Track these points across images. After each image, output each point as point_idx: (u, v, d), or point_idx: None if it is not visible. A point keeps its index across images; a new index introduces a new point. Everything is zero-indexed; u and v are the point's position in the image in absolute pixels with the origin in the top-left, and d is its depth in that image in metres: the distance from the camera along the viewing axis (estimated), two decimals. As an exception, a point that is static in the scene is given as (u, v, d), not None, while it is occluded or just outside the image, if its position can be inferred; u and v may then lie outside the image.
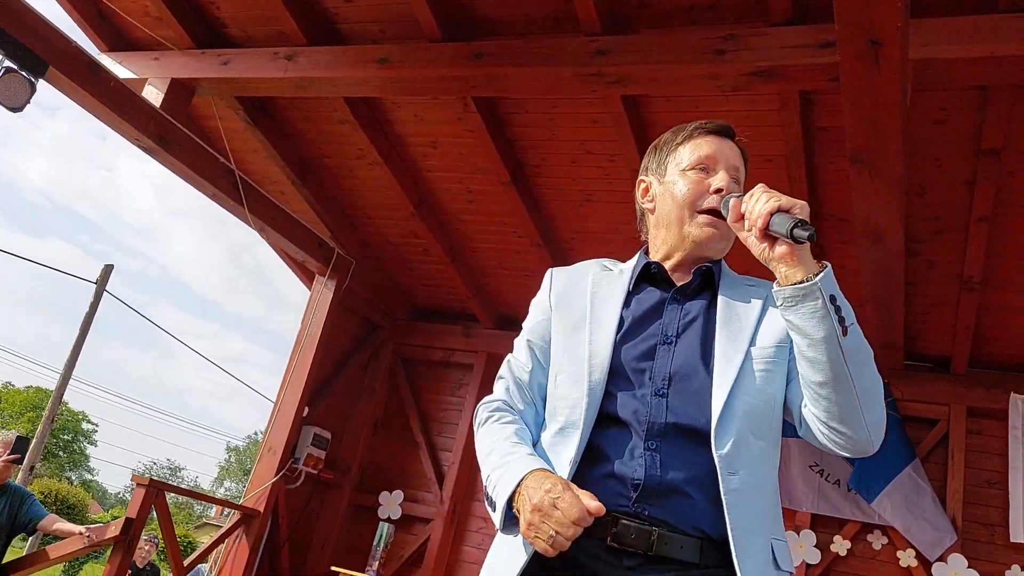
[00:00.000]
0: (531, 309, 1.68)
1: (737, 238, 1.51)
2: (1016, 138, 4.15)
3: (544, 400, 1.56)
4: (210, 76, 5.08)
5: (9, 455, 4.74)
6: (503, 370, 1.64)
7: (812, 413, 1.40)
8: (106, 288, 12.78)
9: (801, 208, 1.36)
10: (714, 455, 1.34)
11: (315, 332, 6.40)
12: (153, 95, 5.17)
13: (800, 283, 1.34)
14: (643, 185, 1.69)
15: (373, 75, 4.60)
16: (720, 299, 1.52)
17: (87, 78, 4.49)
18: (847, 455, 1.42)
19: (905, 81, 3.24)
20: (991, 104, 3.99)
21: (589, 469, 1.38)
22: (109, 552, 4.97)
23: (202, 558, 5.76)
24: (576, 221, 5.82)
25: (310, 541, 6.75)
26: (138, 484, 5.12)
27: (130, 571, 7.55)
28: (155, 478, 5.30)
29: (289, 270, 7.26)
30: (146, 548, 8.01)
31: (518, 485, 1.31)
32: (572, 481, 1.33)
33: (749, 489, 1.33)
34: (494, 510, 1.37)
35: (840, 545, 5.50)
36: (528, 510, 1.26)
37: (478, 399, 6.81)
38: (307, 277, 7.01)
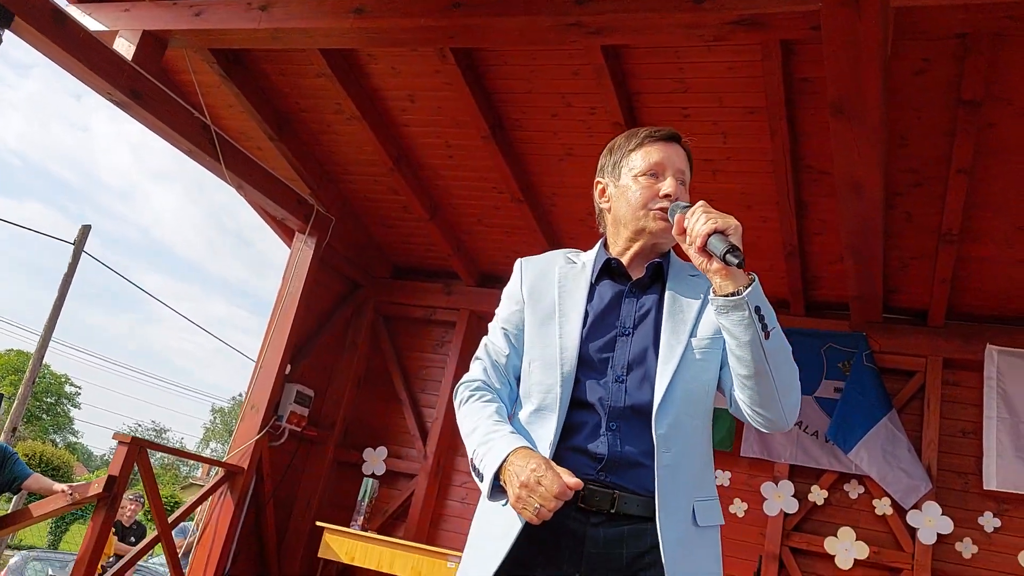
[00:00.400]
0: (503, 299, 1.87)
1: None
2: (996, 88, 4.15)
3: (518, 380, 1.79)
4: (183, 27, 4.96)
5: None
6: (480, 352, 1.84)
7: (739, 397, 1.67)
8: (84, 249, 12.64)
9: (735, 230, 1.58)
10: (653, 435, 1.60)
11: (296, 289, 6.36)
12: (124, 48, 5.05)
13: (731, 295, 1.58)
14: (600, 187, 1.91)
15: (349, 25, 4.51)
16: (667, 293, 1.75)
17: (55, 29, 4.37)
18: (765, 431, 1.69)
19: (886, 28, 3.22)
20: (971, 53, 3.97)
21: (562, 444, 1.63)
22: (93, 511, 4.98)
23: (186, 515, 5.79)
24: (557, 176, 5.79)
25: (295, 498, 6.79)
26: (120, 442, 5.11)
27: (115, 530, 7.59)
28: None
29: (270, 231, 7.20)
30: (131, 507, 8.04)
31: (504, 461, 1.54)
32: (551, 453, 1.60)
33: (679, 462, 1.61)
34: (481, 480, 1.59)
35: (817, 494, 5.59)
36: (516, 486, 1.49)
37: (461, 356, 6.84)
38: (287, 235, 6.96)
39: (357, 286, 7.24)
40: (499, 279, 7.10)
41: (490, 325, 1.87)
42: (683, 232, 1.62)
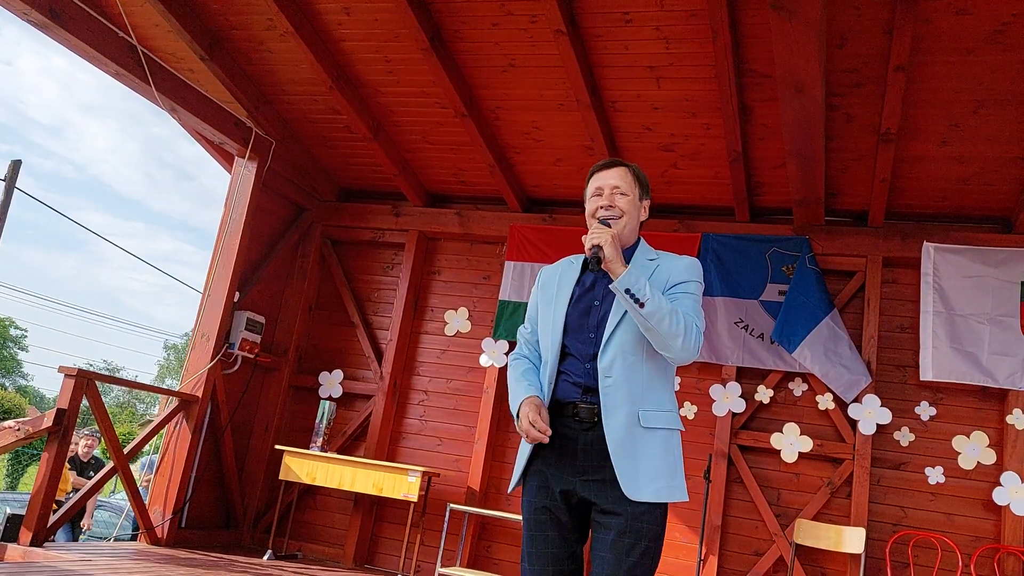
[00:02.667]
0: (530, 301, 2.67)
1: (631, 223, 2.50)
2: (933, -17, 4.15)
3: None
4: (98, -60, 4.69)
5: None
6: (520, 333, 2.66)
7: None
8: (16, 185, 12.17)
9: (606, 242, 2.30)
10: (598, 367, 2.36)
11: (239, 215, 6.24)
12: (37, -37, 4.77)
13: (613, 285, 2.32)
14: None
15: (276, -67, 4.30)
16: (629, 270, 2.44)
17: (-42, -57, 4.10)
18: (675, 364, 2.37)
19: (823, -80, 3.18)
20: (909, -53, 3.95)
21: (560, 380, 2.42)
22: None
23: (141, 446, 5.77)
24: (500, 88, 5.70)
25: (252, 424, 6.81)
26: (66, 375, 5.04)
27: (72, 465, 7.55)
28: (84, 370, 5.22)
29: (212, 162, 7.01)
30: (88, 442, 7.97)
31: (519, 407, 2.38)
32: (553, 387, 2.41)
33: (619, 384, 2.32)
34: (517, 420, 2.38)
35: (764, 394, 5.78)
36: (520, 426, 2.34)
37: (412, 277, 6.84)
38: (227, 160, 6.78)
39: (302, 210, 7.13)
40: (446, 199, 7.05)
41: (527, 316, 2.66)
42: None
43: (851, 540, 5.30)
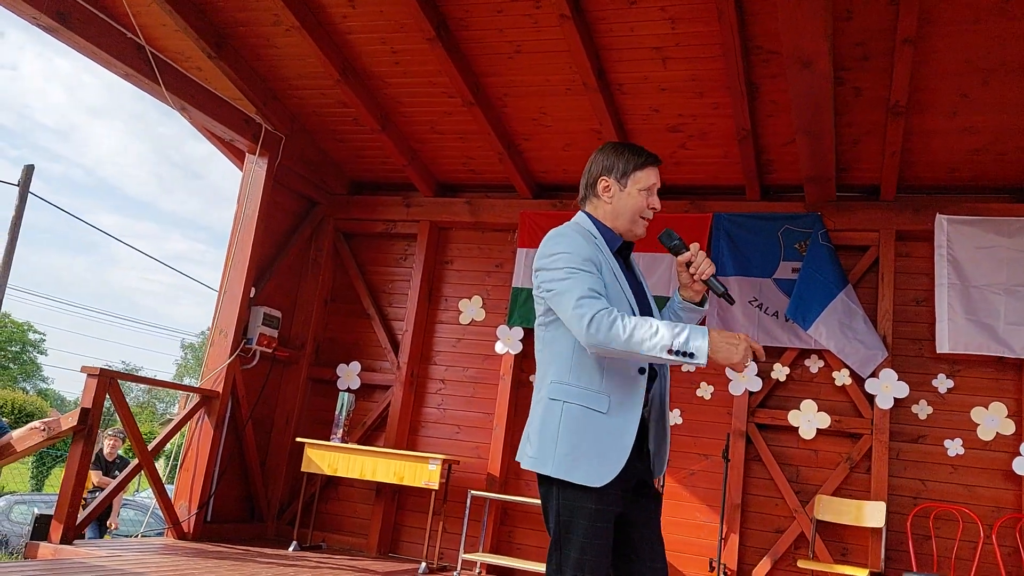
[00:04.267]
0: (580, 260, 2.30)
1: None
2: (938, -48, 4.12)
3: None
4: (103, -57, 4.73)
5: None
6: (586, 292, 2.25)
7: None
8: (30, 190, 12.28)
9: (715, 269, 2.44)
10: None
11: (252, 211, 6.29)
12: (43, -32, 4.81)
13: (698, 304, 2.53)
14: (604, 184, 2.43)
15: (278, -71, 4.32)
16: (634, 266, 2.56)
17: (-34, -49, 4.14)
18: None
19: None
20: (913, -83, 3.93)
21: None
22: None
23: (166, 442, 5.85)
24: (507, 75, 5.71)
25: (273, 417, 6.88)
26: (89, 375, 5.11)
27: (94, 464, 7.65)
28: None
29: (221, 160, 7.06)
30: (112, 442, 8.07)
31: (709, 337, 2.14)
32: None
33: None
34: (684, 356, 2.12)
35: (780, 371, 5.79)
36: (739, 342, 2.16)
37: (425, 268, 6.87)
38: (237, 157, 6.83)
39: (314, 204, 7.17)
40: (457, 188, 7.07)
41: (575, 275, 2.25)
42: (685, 264, 2.44)
43: (872, 514, 5.32)
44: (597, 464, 2.13)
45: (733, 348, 2.13)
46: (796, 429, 5.67)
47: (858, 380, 5.61)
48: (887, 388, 5.49)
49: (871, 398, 5.55)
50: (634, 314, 2.28)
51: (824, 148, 5.15)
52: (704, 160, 6.04)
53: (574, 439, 2.16)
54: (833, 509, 5.43)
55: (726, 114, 5.51)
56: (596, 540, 2.12)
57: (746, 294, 5.89)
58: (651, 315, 2.40)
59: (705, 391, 5.98)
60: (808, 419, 5.64)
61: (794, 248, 5.85)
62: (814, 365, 5.78)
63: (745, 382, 5.81)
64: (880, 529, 5.28)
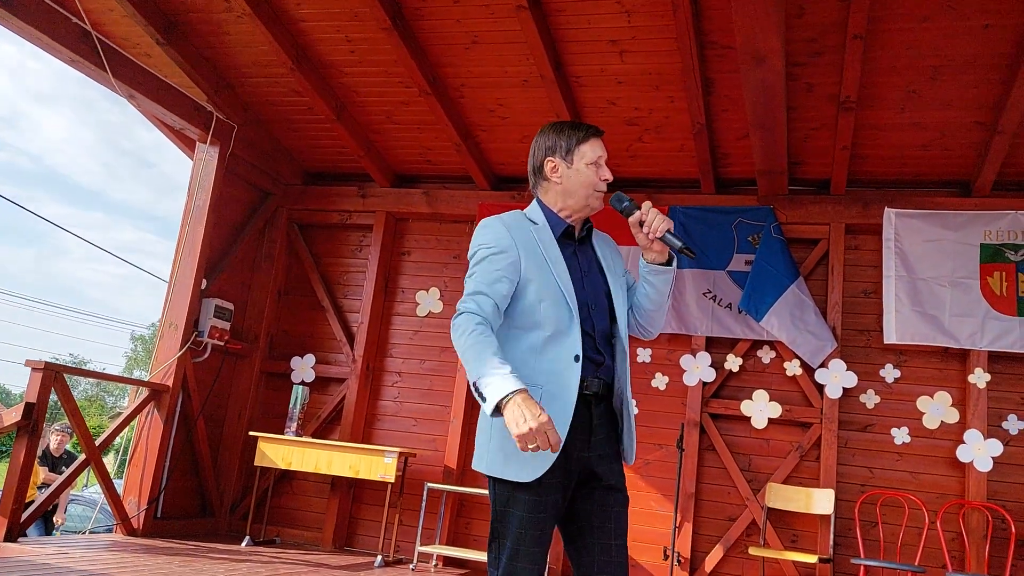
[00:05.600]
0: (494, 251, 2.26)
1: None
2: (888, -50, 4.19)
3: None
4: (46, -77, 4.58)
5: None
6: (481, 288, 2.21)
7: (636, 316, 2.49)
8: (-29, 178, 11.91)
9: (664, 225, 2.31)
10: (616, 347, 2.34)
11: (203, 201, 6.17)
12: (-17, -52, 4.65)
13: (664, 265, 2.40)
14: (551, 164, 2.37)
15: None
16: (597, 249, 2.46)
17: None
18: (640, 338, 2.51)
19: None
20: (864, -85, 3.99)
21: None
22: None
23: (114, 437, 5.72)
24: (465, 66, 5.67)
25: (225, 411, 6.77)
26: (33, 368, 4.97)
27: (41, 460, 7.46)
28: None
29: (172, 149, 6.91)
30: (59, 438, 7.88)
31: (509, 395, 1.97)
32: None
33: (623, 362, 2.36)
34: (483, 400, 2.02)
35: (733, 362, 5.87)
36: (526, 422, 1.92)
37: (381, 259, 6.82)
38: (188, 147, 6.69)
39: (267, 194, 7.06)
40: (413, 179, 7.02)
41: (480, 268, 2.24)
42: (638, 224, 2.33)
43: (821, 501, 5.43)
44: (529, 459, 2.09)
45: (519, 421, 1.92)
46: (749, 419, 5.76)
47: (808, 370, 5.71)
48: (836, 378, 5.61)
49: (821, 388, 5.66)
50: (567, 303, 2.21)
51: (776, 142, 5.23)
52: (660, 153, 6.08)
53: (504, 434, 2.08)
54: (784, 497, 5.53)
55: (682, 108, 5.55)
56: (531, 531, 2.10)
57: (700, 286, 5.95)
58: (603, 300, 2.32)
59: (660, 381, 6.04)
60: (760, 409, 5.73)
61: (747, 241, 5.93)
62: (766, 356, 5.87)
63: (699, 372, 5.88)
64: (829, 516, 5.40)
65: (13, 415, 4.82)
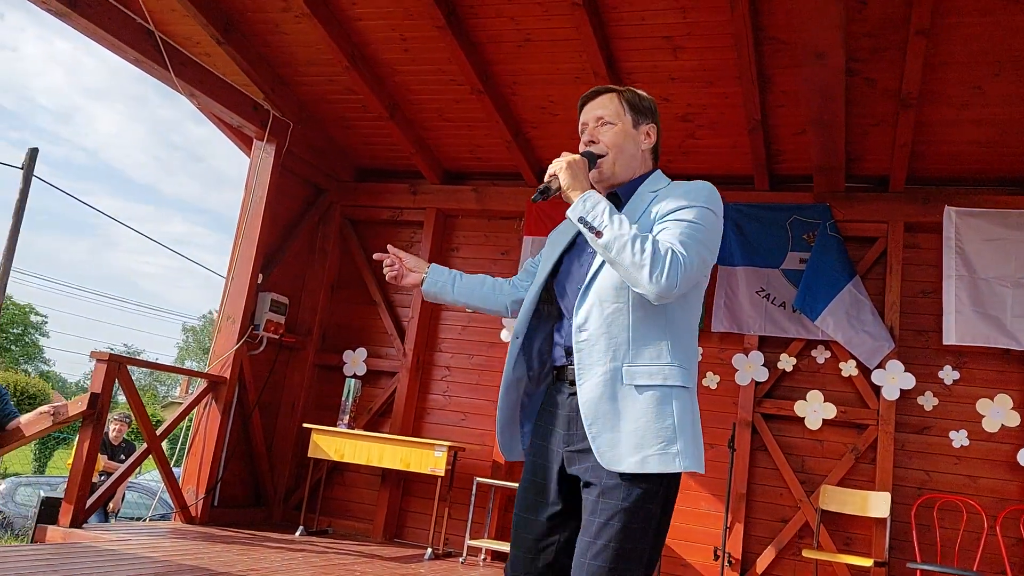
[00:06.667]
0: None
1: (623, 157, 2.16)
2: (954, -56, 4.10)
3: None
4: (113, -73, 4.70)
5: None
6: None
7: None
8: (34, 173, 12.27)
9: (559, 170, 2.03)
10: (573, 321, 2.04)
11: (260, 198, 6.29)
12: (53, -48, 4.79)
13: (580, 223, 1.98)
14: None
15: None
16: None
17: (-23, -65, 4.12)
18: (654, 302, 1.94)
19: None
20: (930, -92, 3.91)
21: (554, 344, 2.17)
22: (79, 431, 5.04)
23: (173, 427, 5.87)
24: (516, 63, 5.69)
25: (279, 403, 6.90)
26: (98, 360, 5.13)
27: (104, 449, 7.68)
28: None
29: (221, 144, 7.09)
30: (118, 427, 8.10)
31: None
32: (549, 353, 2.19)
33: (595, 338, 1.98)
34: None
35: (786, 362, 5.81)
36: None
37: (431, 255, 6.87)
38: (245, 144, 6.82)
39: (321, 191, 7.16)
40: (463, 176, 7.07)
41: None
42: (556, 191, 2.08)
43: (876, 505, 5.35)
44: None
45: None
46: (802, 419, 5.69)
47: (864, 371, 5.63)
48: (893, 379, 5.51)
49: (877, 389, 5.56)
50: (548, 283, 2.15)
51: (834, 139, 5.15)
52: (713, 150, 6.03)
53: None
54: (838, 499, 5.46)
55: (736, 104, 5.50)
56: (515, 539, 2.10)
57: (753, 284, 5.89)
58: (581, 284, 2.06)
59: (711, 380, 6.00)
60: (814, 409, 5.66)
61: (802, 239, 5.86)
62: (821, 356, 5.79)
63: (752, 372, 5.83)
64: (884, 519, 5.32)
65: (79, 405, 4.97)
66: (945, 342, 5.40)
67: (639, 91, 2.24)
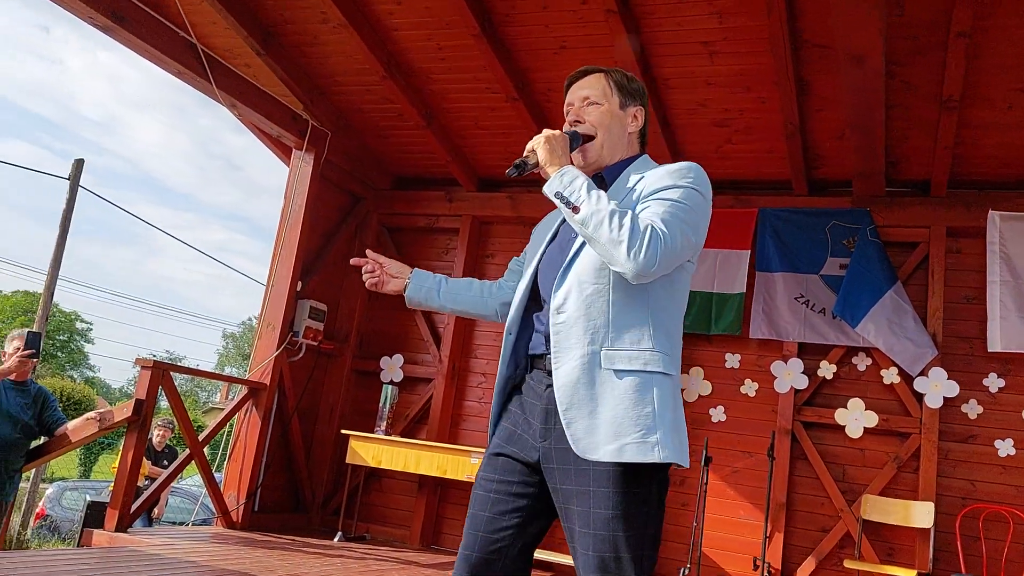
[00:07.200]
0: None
1: (610, 138, 2.10)
2: (997, -56, 4.04)
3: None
4: (157, -57, 4.81)
5: (23, 352, 4.68)
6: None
7: None
8: (80, 183, 12.56)
9: (537, 146, 1.98)
10: (551, 304, 1.96)
11: (299, 206, 6.38)
12: (99, -31, 4.91)
13: (558, 200, 1.92)
14: None
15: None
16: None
17: (27, -46, 4.25)
18: (632, 281, 1.86)
19: None
20: (971, -91, 3.85)
21: (533, 333, 2.07)
22: (124, 437, 5.15)
23: (215, 433, 5.97)
24: (552, 71, 5.70)
25: (318, 409, 6.98)
26: (143, 367, 5.23)
27: (148, 455, 7.82)
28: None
29: (259, 154, 7.19)
30: (161, 432, 8.24)
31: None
32: (527, 342, 2.08)
33: (573, 321, 1.91)
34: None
35: (826, 369, 5.73)
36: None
37: (467, 263, 6.91)
38: (284, 153, 6.92)
39: (359, 199, 7.24)
40: (499, 184, 7.09)
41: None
42: (534, 167, 2.04)
43: (920, 515, 5.25)
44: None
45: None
46: (843, 428, 5.61)
47: (907, 378, 5.53)
48: (936, 387, 5.41)
49: (920, 397, 5.47)
50: (535, 276, 2.07)
51: (874, 143, 5.08)
52: (750, 155, 5.98)
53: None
54: (880, 509, 5.37)
55: (773, 108, 5.46)
56: (471, 506, 2.02)
57: (792, 290, 5.83)
58: (561, 267, 1.99)
59: (750, 388, 5.94)
60: (855, 417, 5.58)
61: (842, 244, 5.78)
62: (862, 363, 5.71)
63: (791, 379, 5.76)
64: (928, 530, 5.22)
65: (124, 411, 5.08)
66: (990, 349, 5.29)
67: (627, 72, 2.17)
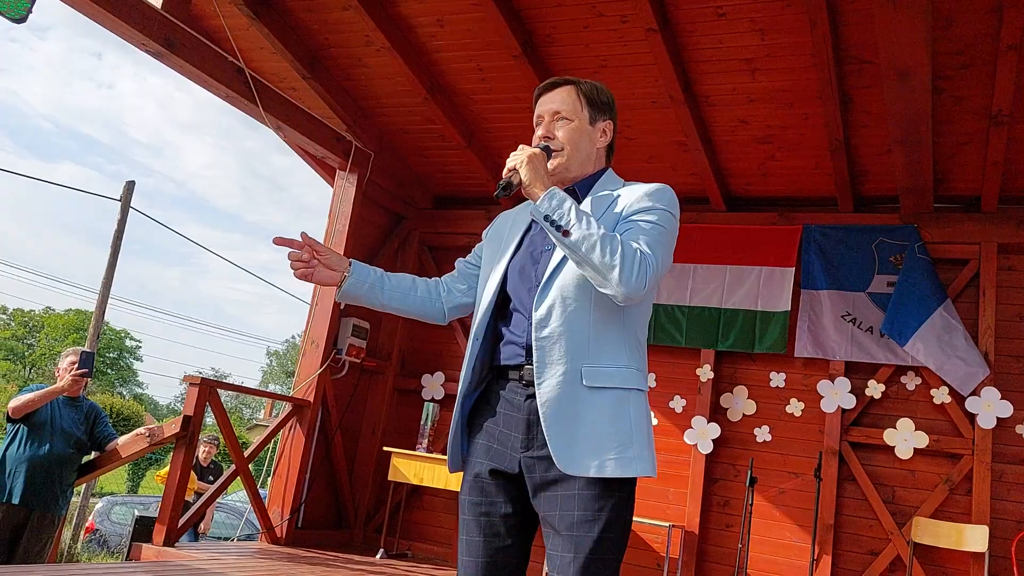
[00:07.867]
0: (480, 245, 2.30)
1: (578, 155, 2.09)
2: (1046, -44, 3.97)
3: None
4: (207, -29, 4.95)
5: (77, 370, 4.81)
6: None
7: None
8: (131, 204, 12.90)
9: (518, 164, 1.95)
10: (533, 317, 1.97)
11: (343, 226, 6.47)
12: (153, -3, 5.07)
13: (544, 222, 1.92)
14: None
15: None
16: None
17: (85, -16, 4.40)
18: (620, 303, 1.90)
19: (928, -99, 3.09)
20: (1020, -79, 3.79)
21: (505, 342, 2.05)
22: (171, 453, 5.24)
23: (260, 449, 6.05)
24: (592, 90, 5.71)
25: (360, 426, 7.03)
26: (191, 384, 5.33)
27: (193, 470, 7.94)
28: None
29: (303, 175, 7.32)
30: (207, 448, 8.37)
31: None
32: (495, 351, 2.06)
33: (556, 336, 1.93)
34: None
35: (874, 388, 5.62)
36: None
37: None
38: (328, 173, 7.03)
39: (401, 218, 7.32)
40: (540, 200, 7.11)
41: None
42: (518, 185, 2.01)
43: (973, 538, 5.11)
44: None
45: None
46: (892, 448, 5.49)
47: (958, 398, 5.40)
48: (989, 407, 5.28)
49: (972, 417, 5.33)
50: (497, 288, 2.06)
51: (922, 159, 5.00)
52: (794, 171, 5.93)
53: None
54: (931, 532, 5.24)
55: (817, 124, 5.41)
56: (462, 531, 2.02)
57: (839, 308, 5.74)
58: (530, 280, 2.03)
59: (795, 407, 5.85)
60: (905, 438, 5.46)
61: (889, 261, 5.69)
62: (911, 382, 5.59)
63: (838, 399, 5.66)
64: (982, 554, 5.07)
65: (173, 427, 5.17)
66: (1045, 368, 5.15)
67: (597, 84, 2.15)
